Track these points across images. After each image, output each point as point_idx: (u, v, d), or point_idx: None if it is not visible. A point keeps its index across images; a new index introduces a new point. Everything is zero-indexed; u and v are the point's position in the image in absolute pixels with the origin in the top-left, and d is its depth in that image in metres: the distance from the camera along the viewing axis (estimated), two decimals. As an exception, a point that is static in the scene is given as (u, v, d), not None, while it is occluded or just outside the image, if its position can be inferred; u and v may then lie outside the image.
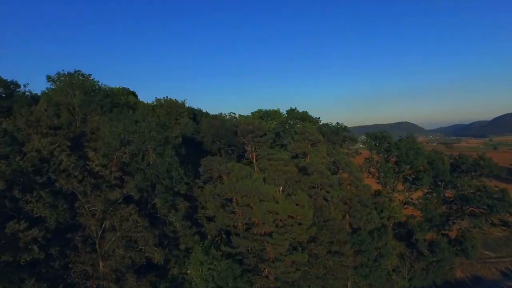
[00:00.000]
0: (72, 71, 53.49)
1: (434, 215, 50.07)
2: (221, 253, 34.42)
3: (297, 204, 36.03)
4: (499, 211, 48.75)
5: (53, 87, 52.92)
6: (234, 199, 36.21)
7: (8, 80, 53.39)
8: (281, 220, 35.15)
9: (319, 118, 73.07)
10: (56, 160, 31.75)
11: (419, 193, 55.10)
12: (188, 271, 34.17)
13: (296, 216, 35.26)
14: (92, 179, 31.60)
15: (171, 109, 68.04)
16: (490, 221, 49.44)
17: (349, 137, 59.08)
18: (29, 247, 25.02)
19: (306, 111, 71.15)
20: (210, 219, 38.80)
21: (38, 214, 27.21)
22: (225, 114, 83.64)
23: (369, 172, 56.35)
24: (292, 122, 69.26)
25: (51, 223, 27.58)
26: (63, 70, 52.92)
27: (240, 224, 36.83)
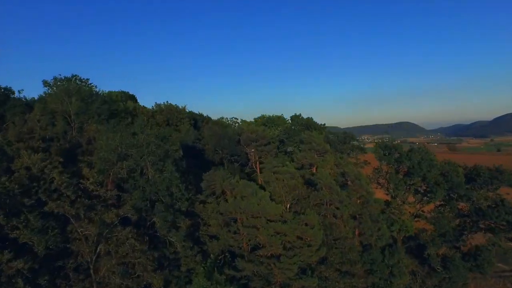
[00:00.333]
0: (69, 75, 51.62)
1: (448, 229, 47.62)
2: (225, 277, 32.09)
3: (306, 224, 33.75)
4: None
5: (50, 92, 50.91)
6: (238, 219, 33.90)
7: (2, 86, 51.35)
8: (289, 242, 32.91)
9: (324, 124, 70.79)
10: (47, 178, 29.38)
11: (430, 206, 52.62)
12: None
13: (306, 237, 33.00)
14: (86, 200, 29.14)
15: (171, 115, 65.78)
16: (509, 237, 46.89)
17: (357, 146, 56.78)
18: (13, 280, 22.59)
19: (311, 117, 68.83)
20: (212, 236, 36.50)
21: (25, 241, 24.81)
22: (227, 118, 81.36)
23: (378, 183, 53.96)
24: (296, 129, 66.95)
25: (39, 250, 25.16)
26: (60, 75, 51.11)
27: (245, 244, 34.54)
